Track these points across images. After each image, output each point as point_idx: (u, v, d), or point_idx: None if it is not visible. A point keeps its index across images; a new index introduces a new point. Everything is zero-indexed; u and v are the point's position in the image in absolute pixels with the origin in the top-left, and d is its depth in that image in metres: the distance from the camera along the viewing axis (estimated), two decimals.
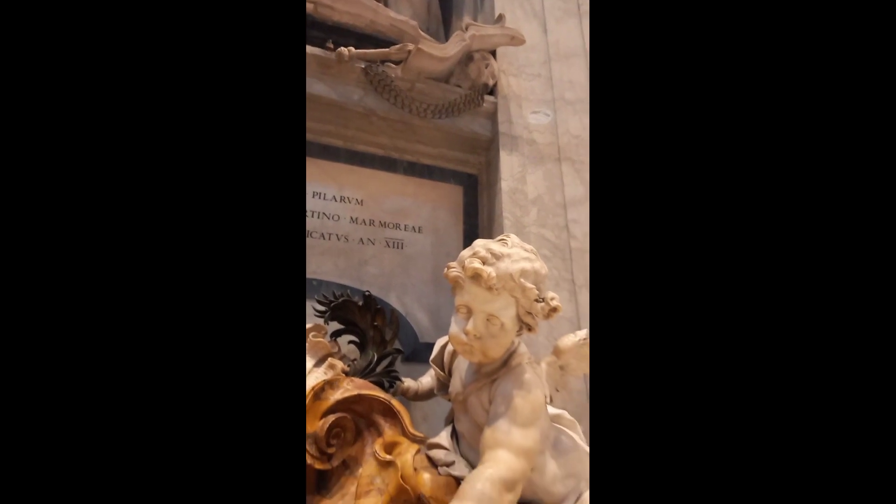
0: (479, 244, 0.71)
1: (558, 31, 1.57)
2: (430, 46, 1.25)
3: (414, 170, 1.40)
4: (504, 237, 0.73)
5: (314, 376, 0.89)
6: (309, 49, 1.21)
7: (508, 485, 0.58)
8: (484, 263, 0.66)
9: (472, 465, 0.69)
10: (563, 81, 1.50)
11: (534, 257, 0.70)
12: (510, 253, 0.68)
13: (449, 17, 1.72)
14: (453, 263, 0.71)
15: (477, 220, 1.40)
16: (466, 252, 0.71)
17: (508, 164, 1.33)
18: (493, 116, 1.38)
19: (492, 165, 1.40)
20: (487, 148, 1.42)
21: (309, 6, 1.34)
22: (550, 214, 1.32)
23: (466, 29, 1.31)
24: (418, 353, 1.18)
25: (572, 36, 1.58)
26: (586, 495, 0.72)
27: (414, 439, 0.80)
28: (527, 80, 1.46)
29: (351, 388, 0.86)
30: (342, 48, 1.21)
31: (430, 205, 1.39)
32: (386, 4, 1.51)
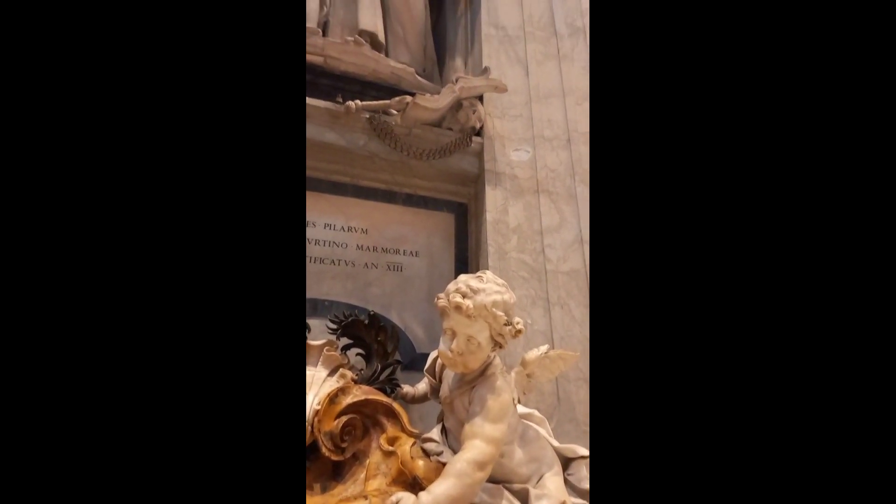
0: (462, 279, 0.91)
1: (539, 74, 1.77)
2: (425, 99, 1.45)
3: (411, 201, 1.60)
4: (481, 273, 0.93)
5: (329, 384, 1.08)
6: (321, 102, 1.42)
7: (480, 465, 0.78)
8: (464, 297, 0.86)
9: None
10: (542, 120, 1.70)
11: (504, 290, 0.90)
12: (485, 287, 0.88)
13: (443, 57, 1.93)
14: (441, 295, 0.91)
15: (466, 245, 1.60)
16: (451, 286, 0.91)
17: (493, 197, 1.53)
18: (480, 155, 1.59)
19: (479, 197, 1.60)
20: (475, 181, 1.62)
21: (319, 59, 1.55)
22: (529, 241, 1.52)
23: (456, 81, 1.52)
24: (415, 362, 1.38)
25: (552, 78, 1.78)
26: (546, 475, 0.92)
27: (411, 434, 0.99)
28: (510, 121, 1.66)
29: (359, 393, 1.06)
30: (350, 102, 1.41)
31: (426, 232, 1.59)
32: (387, 53, 1.71)
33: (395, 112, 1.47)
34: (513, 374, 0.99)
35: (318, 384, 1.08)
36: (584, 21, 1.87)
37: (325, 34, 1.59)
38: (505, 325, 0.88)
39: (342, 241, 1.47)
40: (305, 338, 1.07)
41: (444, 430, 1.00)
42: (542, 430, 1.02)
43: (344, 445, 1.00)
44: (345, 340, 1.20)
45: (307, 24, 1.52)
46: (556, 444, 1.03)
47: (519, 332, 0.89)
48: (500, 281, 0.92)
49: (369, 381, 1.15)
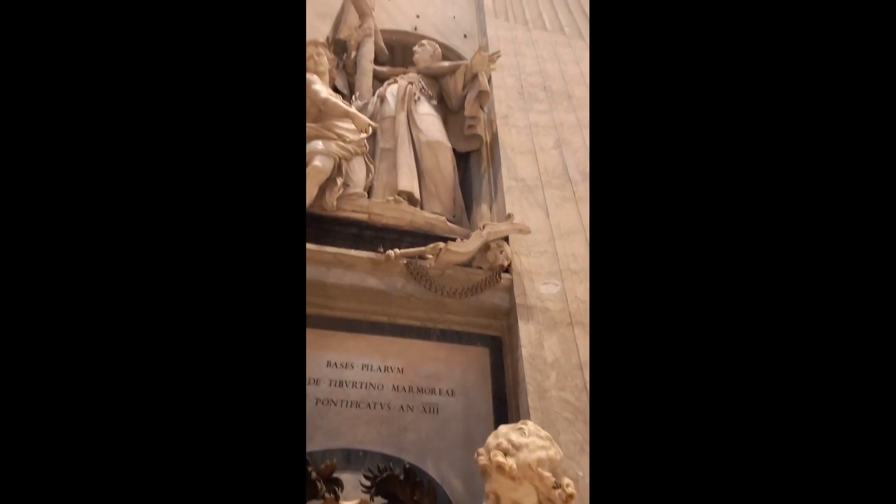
0: (502, 433, 0.88)
1: (559, 215, 1.95)
2: (456, 245, 1.62)
3: (446, 336, 1.63)
4: (522, 425, 0.89)
5: None
6: (364, 253, 1.60)
7: None
8: (506, 455, 0.82)
9: None
10: (567, 255, 1.81)
11: (548, 444, 0.85)
12: (527, 443, 0.84)
13: (470, 205, 2.18)
14: (482, 451, 0.87)
15: (503, 381, 1.56)
16: (492, 440, 0.87)
17: (526, 331, 1.55)
18: (510, 290, 1.66)
19: (512, 331, 1.62)
20: (507, 315, 1.66)
21: (364, 216, 1.81)
22: (568, 377, 1.47)
23: (483, 227, 1.70)
24: None
25: (571, 217, 1.95)
26: None
27: None
28: (536, 258, 1.77)
29: None
30: (389, 251, 1.58)
31: (461, 367, 1.58)
32: (421, 206, 1.98)
33: (429, 256, 1.63)
34: None
35: None
36: None
37: (370, 196, 1.88)
38: (554, 487, 0.80)
39: (378, 383, 1.47)
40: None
41: None
42: None
43: None
44: (379, 499, 1.11)
45: (356, 190, 1.82)
46: None
47: (570, 496, 0.81)
48: (544, 433, 0.88)
49: None
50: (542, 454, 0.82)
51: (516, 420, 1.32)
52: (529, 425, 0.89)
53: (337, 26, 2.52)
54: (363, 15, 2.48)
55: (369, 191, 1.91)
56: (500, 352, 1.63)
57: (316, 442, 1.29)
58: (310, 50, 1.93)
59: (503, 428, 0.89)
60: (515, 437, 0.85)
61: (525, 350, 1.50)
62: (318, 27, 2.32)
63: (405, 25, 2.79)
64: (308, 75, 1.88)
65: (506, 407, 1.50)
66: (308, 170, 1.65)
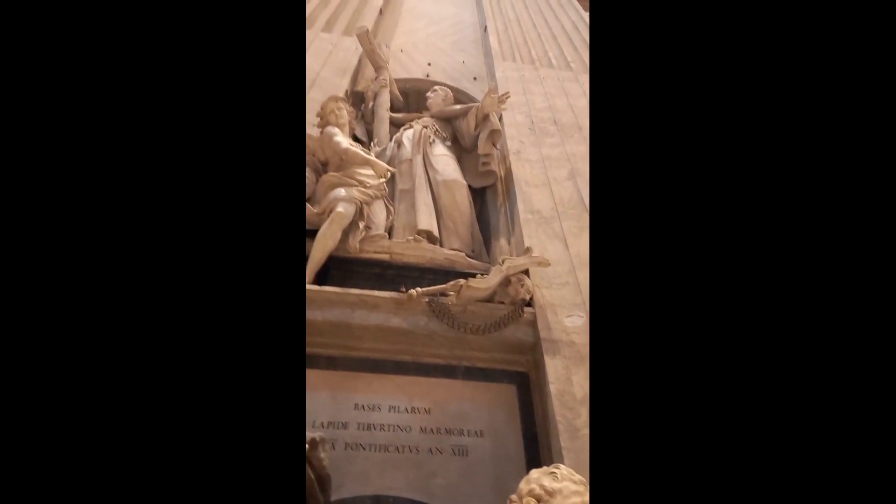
0: (534, 478, 0.85)
1: (577, 245, 1.95)
2: (476, 281, 1.64)
3: (471, 374, 1.62)
4: (554, 469, 0.87)
5: None
6: (387, 293, 1.64)
7: None
8: (538, 502, 0.80)
9: None
10: (588, 285, 1.79)
11: (583, 489, 0.82)
12: (561, 489, 0.81)
13: (489, 239, 2.21)
14: (514, 497, 0.85)
15: (532, 420, 1.52)
16: (524, 486, 0.85)
17: (553, 367, 1.52)
18: (533, 324, 1.65)
19: (539, 367, 1.59)
20: (533, 349, 1.64)
21: (386, 256, 1.86)
22: None
23: (503, 262, 1.71)
24: None
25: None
26: None
27: None
28: (557, 289, 1.76)
29: None
30: (412, 290, 1.61)
31: (488, 406, 1.55)
32: (441, 244, 2.02)
33: (451, 293, 1.64)
34: None
35: None
36: None
37: (390, 236, 1.95)
38: None
39: (406, 425, 1.46)
40: None
41: None
42: None
43: None
44: None
45: (377, 232, 1.89)
46: None
47: None
48: (578, 477, 0.85)
49: None
50: (576, 500, 0.79)
51: (548, 461, 1.28)
52: (562, 469, 0.86)
53: (355, 80, 2.71)
54: (378, 67, 2.66)
55: (390, 231, 1.97)
56: (527, 388, 1.60)
57: (346, 489, 1.28)
58: (331, 105, 2.07)
59: (535, 472, 0.87)
60: (548, 483, 0.82)
61: (553, 386, 1.47)
62: (337, 83, 2.50)
63: (417, 73, 2.97)
64: (329, 128, 2.01)
65: (536, 447, 1.45)
66: (332, 216, 1.73)
